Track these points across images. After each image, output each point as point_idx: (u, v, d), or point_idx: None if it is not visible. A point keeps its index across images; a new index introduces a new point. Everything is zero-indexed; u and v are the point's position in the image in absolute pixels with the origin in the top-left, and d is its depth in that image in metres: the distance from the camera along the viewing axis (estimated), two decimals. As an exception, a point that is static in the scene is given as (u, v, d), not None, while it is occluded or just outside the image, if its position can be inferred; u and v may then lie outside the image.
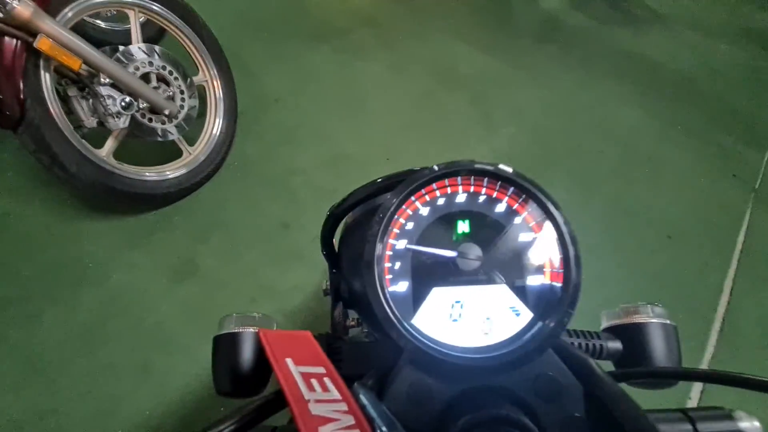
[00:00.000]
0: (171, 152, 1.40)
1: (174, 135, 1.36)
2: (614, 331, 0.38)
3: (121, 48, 1.23)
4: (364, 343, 0.38)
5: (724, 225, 1.71)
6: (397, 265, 0.31)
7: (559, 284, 0.29)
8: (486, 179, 0.31)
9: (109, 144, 1.24)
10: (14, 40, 1.01)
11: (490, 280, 0.30)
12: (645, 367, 0.35)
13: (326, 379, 0.26)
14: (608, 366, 0.38)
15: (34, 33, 1.02)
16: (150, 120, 1.29)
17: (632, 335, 0.37)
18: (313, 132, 1.72)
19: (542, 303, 0.29)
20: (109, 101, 1.17)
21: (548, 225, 0.30)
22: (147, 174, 1.31)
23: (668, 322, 0.38)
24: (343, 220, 0.44)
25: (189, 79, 1.38)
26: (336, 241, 0.47)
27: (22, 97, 1.04)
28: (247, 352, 0.36)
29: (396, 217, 0.31)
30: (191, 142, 1.43)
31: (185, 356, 1.15)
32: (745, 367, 1.36)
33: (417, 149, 1.75)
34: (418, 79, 2.02)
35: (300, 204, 1.51)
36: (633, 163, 1.87)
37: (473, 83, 2.06)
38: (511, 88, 2.08)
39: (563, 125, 1.97)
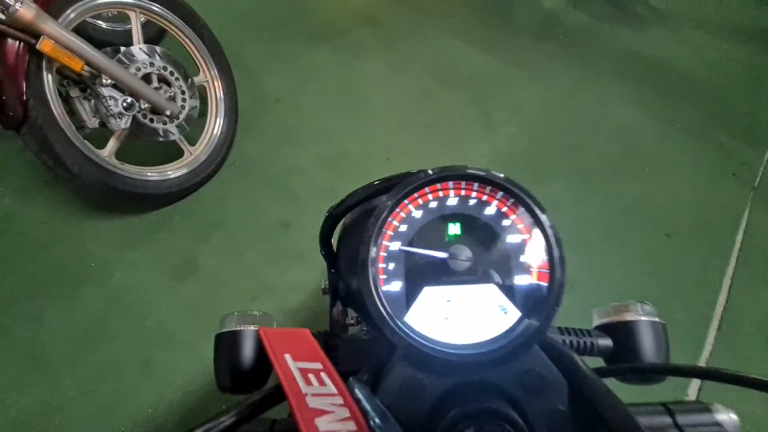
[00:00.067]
0: (172, 152, 1.41)
1: (175, 135, 1.37)
2: (605, 329, 0.39)
3: (122, 49, 1.24)
4: (360, 341, 0.39)
5: (723, 224, 1.71)
6: (391, 265, 0.32)
7: (545, 284, 0.30)
8: (476, 183, 0.32)
9: (111, 144, 1.25)
10: (17, 42, 1.02)
11: (479, 280, 0.31)
12: (632, 363, 0.36)
13: (323, 374, 0.27)
14: (600, 362, 0.39)
15: (36, 35, 1.03)
16: (151, 120, 1.30)
17: (622, 333, 0.38)
18: (314, 131, 1.73)
19: (529, 302, 0.30)
20: (110, 102, 1.18)
21: (535, 228, 0.31)
22: (148, 174, 1.32)
23: (657, 320, 0.39)
24: (342, 221, 0.45)
25: (190, 80, 1.39)
26: (335, 241, 0.48)
27: (25, 98, 1.05)
28: (247, 350, 0.37)
29: (390, 219, 0.32)
30: (192, 142, 1.44)
31: (186, 354, 1.16)
32: (742, 365, 1.37)
33: (417, 149, 1.75)
34: (418, 78, 2.03)
35: (300, 203, 1.52)
36: (632, 162, 1.87)
37: (473, 82, 2.07)
38: (511, 87, 2.09)
39: (563, 124, 1.98)
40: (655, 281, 1.49)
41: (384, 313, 0.29)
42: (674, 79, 2.35)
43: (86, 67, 1.13)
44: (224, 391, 0.38)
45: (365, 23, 2.23)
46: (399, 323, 0.29)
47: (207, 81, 1.47)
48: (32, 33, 1.03)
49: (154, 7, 1.30)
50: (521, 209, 0.32)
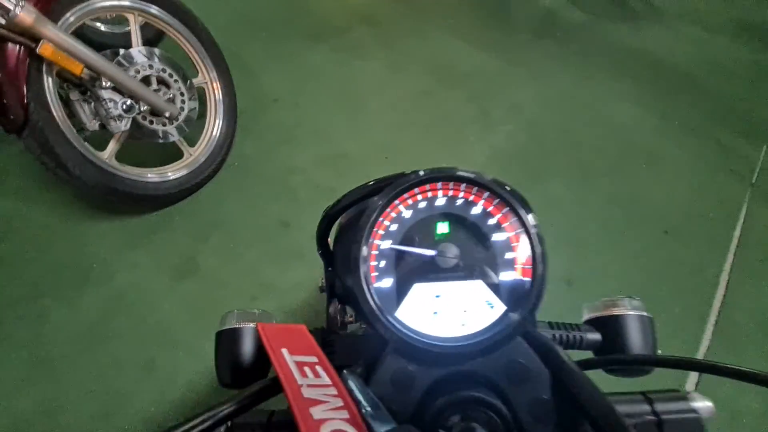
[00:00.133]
0: (172, 153, 1.42)
1: (175, 136, 1.38)
2: (594, 323, 0.40)
3: (121, 51, 1.24)
4: (355, 336, 0.40)
5: (721, 220, 1.72)
6: (382, 263, 0.34)
7: (528, 279, 0.31)
8: (463, 184, 0.34)
9: (111, 146, 1.26)
10: (17, 46, 1.03)
11: (466, 276, 0.33)
12: (618, 355, 0.37)
13: (318, 367, 0.29)
14: (591, 356, 0.40)
15: (36, 39, 1.04)
16: (151, 122, 1.31)
17: (610, 327, 0.39)
18: (312, 131, 1.74)
19: (514, 296, 0.32)
20: (110, 104, 1.19)
21: (519, 226, 0.33)
22: (149, 175, 1.33)
23: (645, 314, 0.40)
24: (338, 221, 0.46)
25: (189, 81, 1.40)
26: (331, 240, 0.49)
27: (25, 101, 1.06)
28: (247, 346, 0.38)
29: (381, 219, 0.34)
30: (192, 143, 1.45)
31: (188, 353, 1.17)
32: (740, 359, 1.38)
33: (415, 148, 1.76)
34: (417, 77, 2.04)
35: (299, 203, 1.53)
36: (631, 159, 1.88)
37: (471, 81, 2.08)
38: (509, 86, 2.09)
39: (561, 122, 1.98)
40: (653, 277, 1.50)
41: (375, 309, 0.30)
42: (672, 76, 2.35)
43: (86, 70, 1.14)
44: (225, 386, 0.39)
45: (364, 22, 2.24)
46: (390, 318, 0.30)
47: (206, 82, 1.48)
48: (32, 37, 1.03)
49: (152, 10, 1.30)
50: (506, 209, 0.33)
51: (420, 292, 0.32)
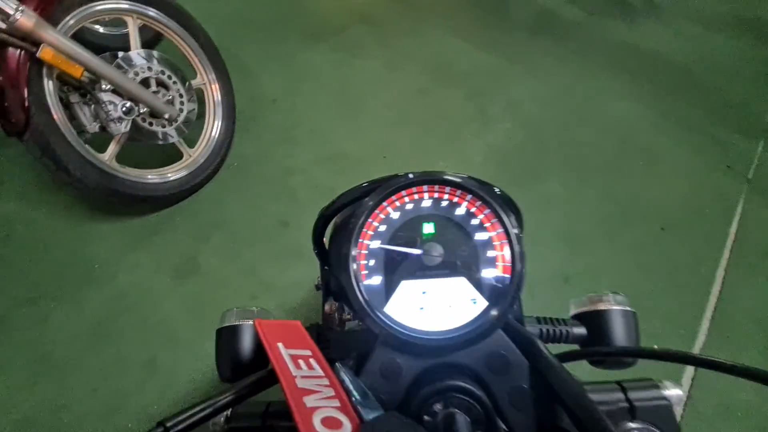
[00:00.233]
0: (171, 155, 1.43)
1: (174, 138, 1.39)
2: (580, 318, 0.42)
3: (120, 54, 1.26)
4: (348, 332, 0.42)
5: (718, 216, 1.73)
6: (372, 262, 0.36)
7: (508, 276, 0.33)
8: (448, 187, 0.36)
9: (112, 148, 1.28)
10: (18, 51, 1.04)
11: (451, 274, 0.35)
12: (602, 347, 0.39)
13: (312, 360, 0.30)
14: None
15: (36, 43, 1.05)
16: (150, 124, 1.33)
17: (595, 321, 0.41)
18: (311, 131, 1.75)
19: (495, 292, 0.34)
20: (110, 107, 1.21)
21: (500, 227, 0.35)
22: (149, 176, 1.34)
23: (628, 308, 0.41)
24: (333, 221, 0.48)
25: (187, 83, 1.41)
26: (327, 240, 0.50)
27: (26, 105, 1.07)
28: (246, 342, 0.40)
29: (370, 220, 0.36)
30: (191, 144, 1.47)
31: (189, 352, 1.19)
32: (735, 355, 1.39)
33: (413, 146, 1.77)
34: (414, 76, 2.05)
35: (299, 202, 1.54)
36: (628, 156, 1.89)
37: (469, 79, 2.09)
38: (506, 83, 2.10)
39: (558, 119, 1.99)
40: (650, 274, 1.51)
41: (365, 305, 0.32)
42: (669, 72, 2.36)
43: (86, 73, 1.15)
44: (226, 380, 0.41)
45: (361, 21, 2.25)
46: (379, 313, 0.32)
47: (204, 83, 1.50)
48: (33, 41, 1.05)
49: (150, 12, 1.32)
50: (488, 210, 0.35)
51: (407, 288, 0.34)
